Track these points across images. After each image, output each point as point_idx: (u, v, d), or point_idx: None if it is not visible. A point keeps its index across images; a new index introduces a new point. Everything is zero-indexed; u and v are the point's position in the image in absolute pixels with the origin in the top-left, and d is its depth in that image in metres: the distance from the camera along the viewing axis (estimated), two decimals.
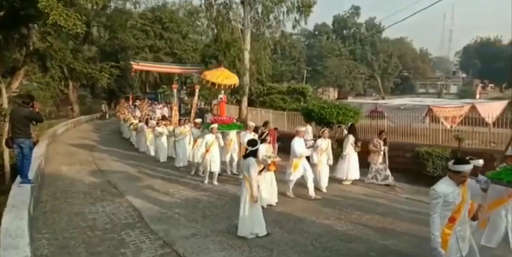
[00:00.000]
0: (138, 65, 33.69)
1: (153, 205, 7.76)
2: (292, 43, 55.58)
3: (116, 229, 6.35)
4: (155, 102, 33.36)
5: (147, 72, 38.60)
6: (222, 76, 11.06)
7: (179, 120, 14.21)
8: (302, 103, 21.50)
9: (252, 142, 6.34)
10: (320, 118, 12.20)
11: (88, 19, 27.71)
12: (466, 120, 11.83)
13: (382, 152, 9.77)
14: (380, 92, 62.36)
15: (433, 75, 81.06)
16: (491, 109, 13.23)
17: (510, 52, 71.08)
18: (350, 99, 34.78)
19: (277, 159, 7.51)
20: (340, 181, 9.87)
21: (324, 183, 9.17)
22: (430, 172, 9.67)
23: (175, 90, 17.57)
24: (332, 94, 57.29)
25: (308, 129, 12.37)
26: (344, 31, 66.90)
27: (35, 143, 12.19)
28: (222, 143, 10.08)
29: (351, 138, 10.04)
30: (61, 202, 7.96)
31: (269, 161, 7.18)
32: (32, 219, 6.34)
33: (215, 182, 9.67)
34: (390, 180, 9.77)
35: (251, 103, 24.06)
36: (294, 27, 23.73)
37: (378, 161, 9.78)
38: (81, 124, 27.88)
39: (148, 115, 19.37)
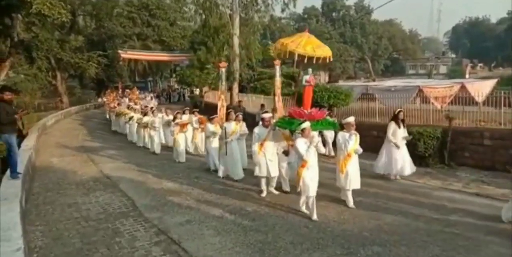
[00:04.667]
0: (126, 54, 33.27)
1: (147, 193, 7.75)
2: (281, 27, 55.15)
3: (110, 219, 6.34)
4: (141, 91, 32.27)
5: (136, 60, 38.18)
6: (312, 44, 7.50)
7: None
8: (293, 88, 21.41)
9: None
10: (311, 102, 12.13)
11: (73, 7, 27.28)
12: (456, 99, 11.85)
13: None
14: (371, 75, 62.39)
15: (422, 56, 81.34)
16: (480, 88, 13.28)
17: (498, 31, 71.45)
18: (341, 82, 34.75)
19: None
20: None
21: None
22: (421, 152, 9.71)
23: (223, 70, 11.47)
24: (323, 77, 57.04)
25: None
26: (333, 14, 66.54)
27: (24, 136, 12.12)
28: (323, 150, 6.73)
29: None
30: (53, 194, 7.91)
31: None
32: (24, 211, 6.32)
33: (315, 217, 6.06)
34: None
35: (242, 89, 23.94)
36: (283, 10, 23.42)
37: None
38: (71, 115, 27.58)
39: (146, 106, 17.44)
